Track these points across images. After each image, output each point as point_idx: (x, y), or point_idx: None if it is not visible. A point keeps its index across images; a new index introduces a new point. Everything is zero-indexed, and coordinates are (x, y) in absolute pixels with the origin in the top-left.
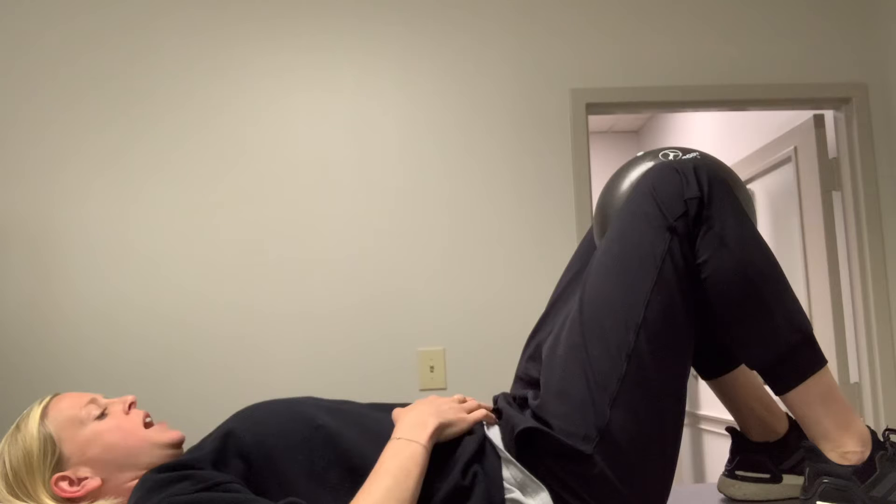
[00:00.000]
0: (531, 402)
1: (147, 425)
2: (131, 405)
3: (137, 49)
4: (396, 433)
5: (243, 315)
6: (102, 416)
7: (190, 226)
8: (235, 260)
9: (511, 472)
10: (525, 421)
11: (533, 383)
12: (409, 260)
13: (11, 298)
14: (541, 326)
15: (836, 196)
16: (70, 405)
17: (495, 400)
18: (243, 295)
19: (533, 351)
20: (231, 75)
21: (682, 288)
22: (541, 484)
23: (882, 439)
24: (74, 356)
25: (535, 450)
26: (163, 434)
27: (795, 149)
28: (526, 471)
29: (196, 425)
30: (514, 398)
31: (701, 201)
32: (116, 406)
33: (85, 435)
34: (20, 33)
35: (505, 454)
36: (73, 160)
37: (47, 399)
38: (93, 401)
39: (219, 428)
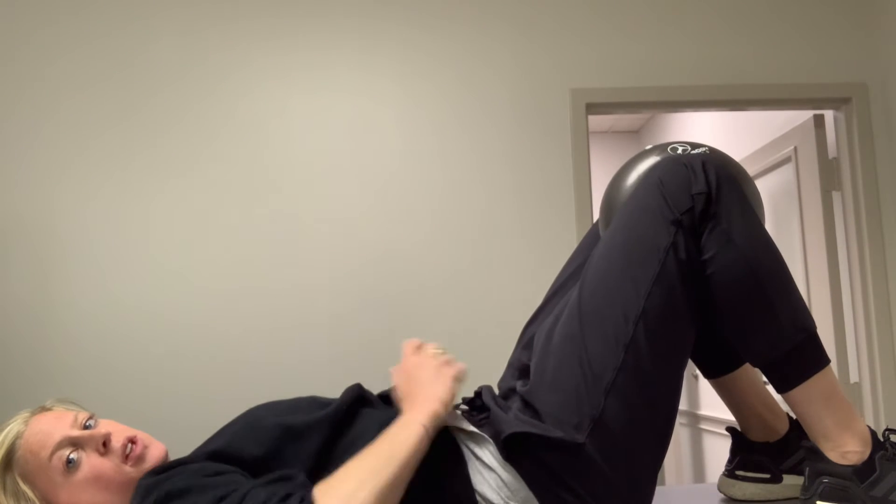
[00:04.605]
0: (519, 389)
1: (127, 457)
2: (106, 442)
3: (135, 48)
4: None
5: (243, 315)
6: (75, 463)
7: (190, 226)
8: (235, 260)
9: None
10: (512, 424)
11: (524, 370)
12: (410, 259)
13: (11, 300)
14: (537, 316)
15: (836, 196)
16: (37, 448)
17: (478, 393)
18: (243, 295)
19: (528, 340)
20: (231, 77)
21: (683, 282)
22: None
23: (882, 439)
24: (75, 357)
25: (525, 448)
26: (143, 466)
27: (795, 149)
28: (512, 476)
29: (196, 426)
30: (500, 390)
31: (709, 196)
32: (90, 446)
33: (59, 497)
34: (19, 31)
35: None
36: (73, 163)
37: (8, 442)
38: (62, 441)
39: (208, 441)
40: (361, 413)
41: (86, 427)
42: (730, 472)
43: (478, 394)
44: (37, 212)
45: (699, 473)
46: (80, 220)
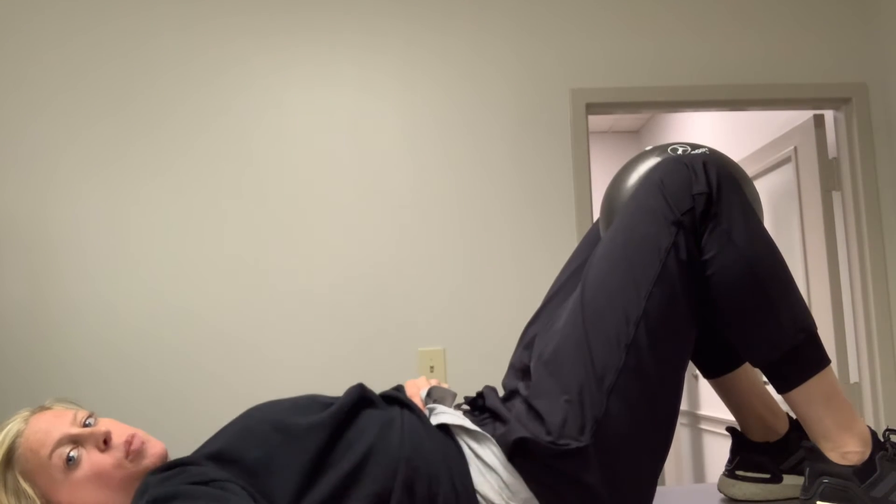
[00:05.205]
0: (522, 391)
1: (128, 452)
2: (106, 440)
3: (133, 43)
4: None
5: (242, 315)
6: (75, 460)
7: (186, 225)
8: (234, 259)
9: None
10: (517, 430)
11: (525, 371)
12: (410, 259)
13: (5, 299)
14: (538, 316)
15: (836, 196)
16: (37, 446)
17: (480, 394)
18: (242, 295)
19: (529, 340)
20: (229, 72)
21: (684, 282)
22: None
23: (882, 439)
24: (70, 356)
25: (528, 452)
26: (143, 463)
27: (795, 149)
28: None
29: (193, 425)
30: (504, 390)
31: (709, 197)
32: (90, 443)
33: (59, 494)
34: (10, 24)
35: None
36: (64, 157)
37: (8, 441)
38: (62, 439)
39: (210, 441)
40: (362, 414)
41: (85, 425)
42: (730, 472)
43: (479, 394)
44: (28, 209)
45: (699, 473)
46: (73, 217)
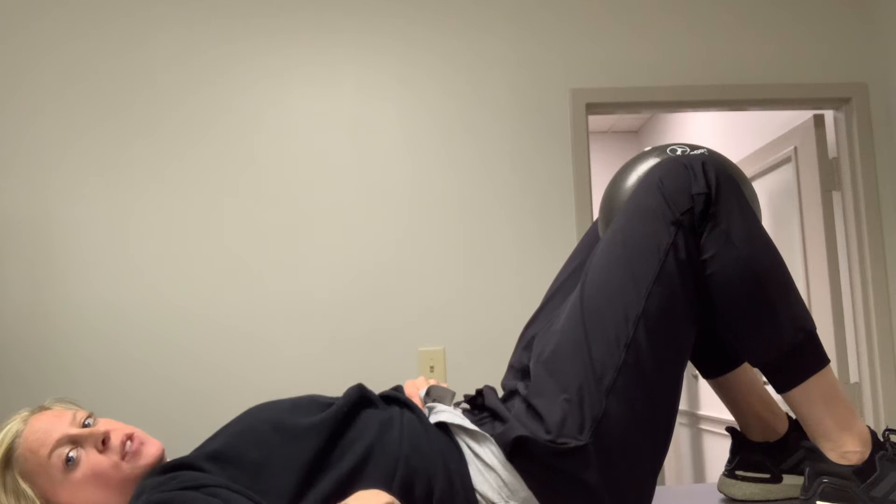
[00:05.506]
0: (521, 391)
1: (125, 454)
2: (105, 440)
3: (133, 44)
4: None
5: (243, 315)
6: (74, 461)
7: (187, 224)
8: (235, 259)
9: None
10: (517, 429)
11: (525, 371)
12: (410, 259)
13: (5, 299)
14: (537, 316)
15: (836, 196)
16: (37, 446)
17: (480, 392)
18: (243, 294)
19: (528, 340)
20: (230, 72)
21: (684, 282)
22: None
23: (882, 439)
24: (70, 356)
25: (528, 451)
26: (140, 464)
27: (795, 149)
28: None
29: (193, 426)
30: (503, 391)
31: (708, 197)
32: (89, 444)
33: (59, 495)
34: (10, 24)
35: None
36: (65, 158)
37: (8, 441)
38: (61, 439)
39: (211, 439)
40: (361, 414)
41: (85, 425)
42: (730, 472)
43: (479, 392)
44: (30, 210)
45: (699, 473)
46: (74, 217)
